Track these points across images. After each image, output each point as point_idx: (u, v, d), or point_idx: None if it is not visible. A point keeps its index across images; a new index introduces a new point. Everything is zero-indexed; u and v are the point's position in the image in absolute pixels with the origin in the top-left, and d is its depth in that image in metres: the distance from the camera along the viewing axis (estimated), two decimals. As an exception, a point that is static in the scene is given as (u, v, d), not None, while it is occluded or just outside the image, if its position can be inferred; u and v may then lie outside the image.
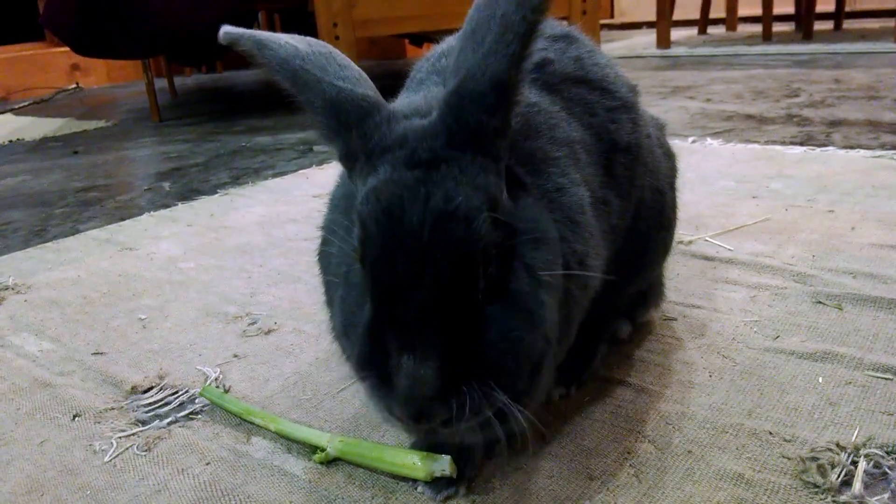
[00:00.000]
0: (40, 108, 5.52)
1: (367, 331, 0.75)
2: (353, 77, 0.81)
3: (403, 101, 0.92)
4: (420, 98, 0.90)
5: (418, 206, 0.71)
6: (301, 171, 2.65)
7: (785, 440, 0.95)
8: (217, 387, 1.17)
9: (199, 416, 1.11)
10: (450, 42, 1.06)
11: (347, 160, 0.81)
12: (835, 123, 2.75)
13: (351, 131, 0.79)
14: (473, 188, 0.73)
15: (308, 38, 0.85)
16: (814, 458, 0.90)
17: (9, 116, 5.08)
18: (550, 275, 0.79)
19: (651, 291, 1.23)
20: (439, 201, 0.71)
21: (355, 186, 0.80)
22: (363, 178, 0.78)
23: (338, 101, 0.79)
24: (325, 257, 0.97)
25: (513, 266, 0.76)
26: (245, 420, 1.07)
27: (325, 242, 0.97)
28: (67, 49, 4.24)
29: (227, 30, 0.85)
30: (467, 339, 0.72)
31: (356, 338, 0.77)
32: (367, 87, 0.81)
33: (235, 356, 1.28)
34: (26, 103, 5.74)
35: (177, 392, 1.17)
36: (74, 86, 6.67)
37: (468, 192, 0.73)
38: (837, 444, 0.93)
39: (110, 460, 1.01)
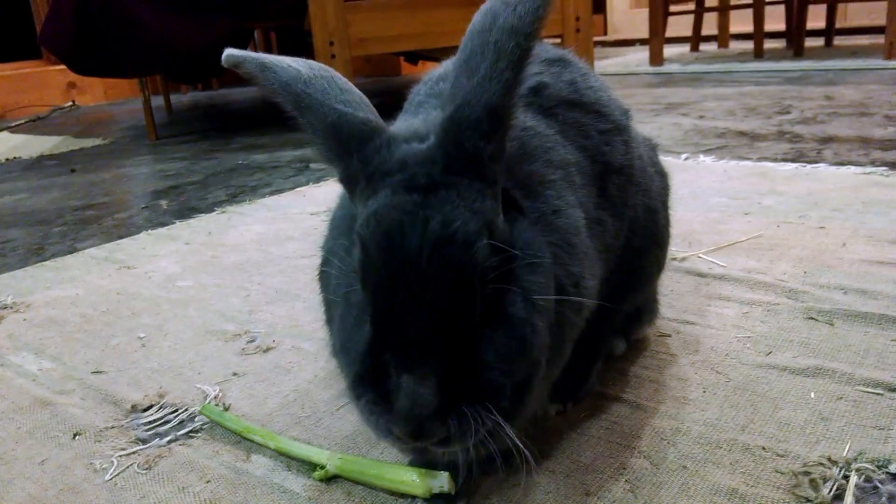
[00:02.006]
0: (37, 125, 5.54)
1: (366, 350, 0.77)
2: (355, 101, 0.83)
3: (402, 125, 0.94)
4: (419, 121, 0.92)
5: (417, 231, 0.74)
6: (298, 189, 2.67)
7: (778, 455, 0.96)
8: (216, 405, 1.18)
9: (199, 434, 1.12)
10: (446, 66, 1.08)
11: (348, 182, 0.84)
12: (826, 140, 2.79)
13: (352, 155, 0.81)
14: (471, 213, 0.75)
15: (310, 61, 0.87)
16: (806, 473, 0.92)
17: (5, 134, 5.10)
18: (545, 299, 0.80)
19: (645, 308, 1.25)
20: (437, 226, 0.74)
21: (356, 208, 0.82)
22: (363, 201, 0.80)
23: (339, 125, 0.81)
24: (325, 277, 0.98)
25: (509, 290, 0.78)
26: (245, 438, 1.09)
27: (325, 263, 0.99)
28: (64, 67, 4.27)
29: (230, 52, 0.88)
30: (464, 360, 0.74)
31: (354, 356, 0.78)
32: (367, 111, 0.83)
33: (234, 374, 1.29)
34: (23, 121, 5.76)
35: (176, 410, 1.18)
36: (71, 103, 6.69)
37: (466, 216, 0.75)
38: (829, 459, 0.94)
39: (111, 479, 1.02)
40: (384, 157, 0.80)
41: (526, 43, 0.78)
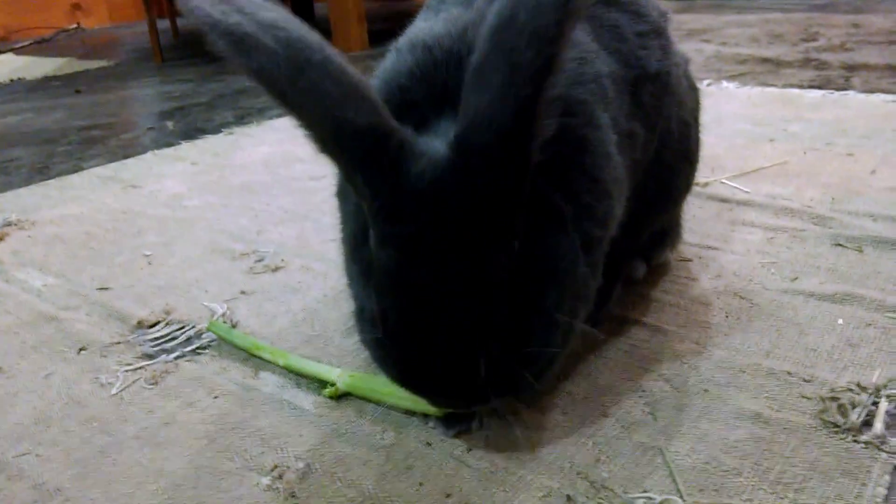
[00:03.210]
0: (41, 48, 5.42)
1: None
2: (354, 95, 0.69)
3: (423, 28, 0.88)
4: (440, 29, 0.84)
5: (432, 275, 0.70)
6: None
7: (804, 380, 0.93)
8: (224, 322, 1.15)
9: (207, 350, 1.09)
10: None
11: (350, 183, 0.74)
12: (854, 67, 2.68)
13: (356, 172, 0.70)
14: (482, 266, 0.70)
15: (292, 28, 0.70)
16: (834, 399, 0.88)
17: (9, 56, 4.99)
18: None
19: (668, 231, 1.20)
20: (452, 275, 0.70)
21: (362, 205, 0.74)
22: (372, 217, 0.72)
23: (338, 135, 0.69)
24: (343, 192, 0.94)
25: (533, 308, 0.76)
26: (253, 355, 1.06)
27: (341, 181, 0.95)
28: (67, -14, 4.15)
29: (198, 6, 0.69)
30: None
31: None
32: (370, 109, 0.69)
33: (242, 293, 1.26)
34: (27, 43, 5.64)
35: (183, 327, 1.15)
36: (75, 26, 6.55)
37: (476, 271, 0.70)
38: (858, 385, 0.91)
39: (117, 393, 1.00)
40: (393, 182, 0.69)
41: (550, 50, 0.64)
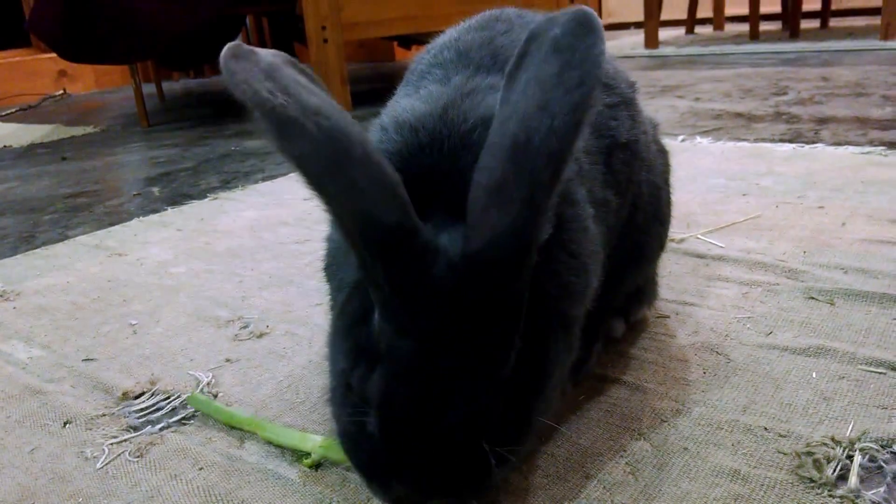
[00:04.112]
0: (27, 114, 5.48)
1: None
2: (386, 192, 0.71)
3: (406, 107, 0.92)
4: (421, 107, 0.89)
5: (448, 369, 0.73)
6: (291, 174, 2.64)
7: (780, 435, 0.95)
8: (207, 392, 1.16)
9: (192, 421, 1.10)
10: (450, 34, 1.05)
11: (366, 271, 0.76)
12: (823, 120, 2.76)
13: (377, 264, 0.72)
14: (492, 365, 0.74)
15: (335, 118, 0.72)
16: (809, 453, 0.90)
17: (-5, 123, 5.04)
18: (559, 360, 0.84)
19: (645, 289, 1.23)
20: (465, 372, 0.73)
21: (373, 292, 0.76)
22: (389, 308, 0.74)
23: (366, 230, 0.71)
24: (330, 271, 0.99)
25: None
26: (232, 427, 1.06)
27: (330, 256, 0.99)
28: (54, 55, 4.22)
29: (244, 82, 0.72)
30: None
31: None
32: (398, 207, 0.72)
33: (227, 360, 1.27)
34: (13, 110, 5.70)
35: (168, 397, 1.16)
36: (62, 92, 6.63)
37: (488, 368, 0.74)
38: (832, 439, 0.92)
39: (102, 467, 1.00)
40: (408, 284, 0.72)
41: (563, 167, 0.70)
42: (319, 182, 0.70)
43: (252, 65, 0.73)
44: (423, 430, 0.74)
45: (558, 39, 0.73)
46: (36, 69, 6.65)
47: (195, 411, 1.12)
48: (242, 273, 1.68)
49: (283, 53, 0.79)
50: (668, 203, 1.18)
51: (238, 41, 0.76)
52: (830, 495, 0.84)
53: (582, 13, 0.73)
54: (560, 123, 0.69)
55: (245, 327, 1.39)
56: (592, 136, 0.98)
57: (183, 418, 1.10)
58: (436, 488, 0.77)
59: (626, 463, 0.92)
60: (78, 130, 4.28)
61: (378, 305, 0.75)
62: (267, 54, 0.76)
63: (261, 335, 1.35)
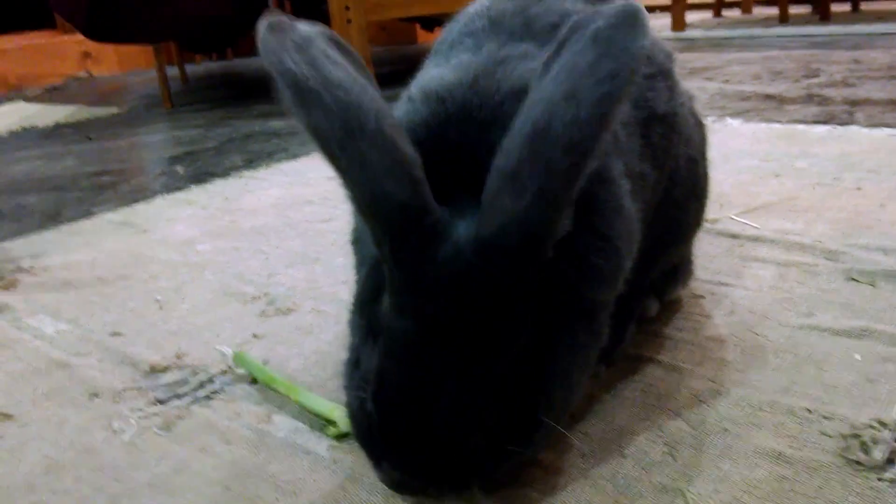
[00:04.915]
0: (52, 95, 5.51)
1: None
2: (397, 168, 0.70)
3: (435, 77, 0.89)
4: (451, 75, 0.86)
5: (441, 353, 0.72)
6: (315, 154, 2.62)
7: (824, 417, 0.92)
8: (235, 368, 1.14)
9: (219, 395, 1.09)
10: (482, 2, 1.01)
11: (377, 247, 0.75)
12: (857, 103, 2.70)
13: (386, 241, 0.72)
14: (491, 355, 0.72)
15: (354, 91, 0.71)
16: (855, 436, 0.87)
17: (21, 104, 5.07)
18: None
19: (680, 267, 1.20)
20: (461, 358, 0.72)
21: (383, 268, 0.76)
22: (393, 285, 0.74)
23: (374, 205, 0.71)
24: (356, 245, 0.98)
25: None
26: (268, 387, 1.07)
27: (356, 230, 0.99)
28: (78, 37, 4.22)
29: (273, 52, 0.72)
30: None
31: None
32: (409, 184, 0.71)
33: (254, 336, 1.26)
34: (38, 91, 5.73)
35: (196, 372, 1.15)
36: (86, 73, 6.66)
37: (484, 359, 0.72)
38: (879, 421, 0.89)
39: (130, 440, 1.00)
40: (417, 267, 0.71)
41: (585, 160, 0.68)
42: (332, 154, 0.70)
43: (285, 37, 0.73)
44: (413, 414, 0.73)
45: (599, 30, 0.69)
46: (60, 51, 6.67)
47: (223, 386, 1.10)
48: (268, 251, 1.66)
49: (322, 27, 0.78)
50: (705, 178, 1.14)
51: (279, 15, 0.75)
52: (879, 479, 0.81)
53: (630, 7, 0.70)
54: (585, 114, 0.66)
55: (271, 304, 1.38)
56: (630, 106, 0.94)
57: (210, 393, 1.09)
58: (425, 474, 0.75)
59: (664, 443, 0.90)
60: (102, 111, 4.29)
61: (387, 283, 0.75)
62: (304, 28, 0.75)
63: (287, 311, 1.34)
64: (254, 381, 1.11)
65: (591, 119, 0.67)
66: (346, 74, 0.73)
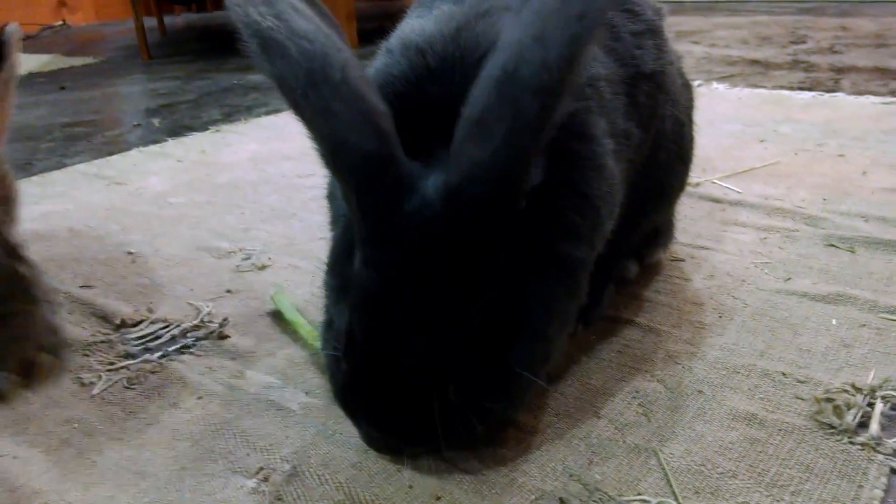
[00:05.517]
0: (26, 44, 5.35)
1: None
2: (362, 119, 0.69)
3: (415, 27, 0.86)
4: (432, 26, 0.83)
5: (406, 306, 0.71)
6: (295, 110, 2.57)
7: (798, 381, 0.92)
8: (209, 322, 1.12)
9: (191, 350, 1.07)
10: None
11: (345, 200, 0.75)
12: (842, 70, 2.69)
13: (352, 193, 0.71)
14: (456, 308, 0.72)
15: (319, 42, 0.70)
16: (829, 400, 0.87)
17: (-7, 52, 4.93)
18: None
19: (661, 231, 1.19)
20: (425, 310, 0.71)
21: (352, 221, 0.76)
22: (360, 239, 0.74)
23: (339, 156, 0.70)
24: (330, 201, 0.97)
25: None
26: (295, 331, 1.08)
27: (331, 185, 0.97)
28: (52, -18, 4.09)
29: (239, 5, 0.72)
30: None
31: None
32: (374, 136, 0.69)
33: (228, 291, 1.23)
34: (11, 39, 5.57)
35: (168, 326, 1.13)
36: (61, 22, 6.48)
37: (449, 311, 0.72)
38: (853, 386, 0.90)
39: (98, 393, 0.98)
40: (383, 216, 0.70)
41: (554, 103, 0.66)
42: (297, 104, 0.70)
43: None
44: (382, 367, 0.72)
45: None
46: (34, -1, 6.49)
47: (194, 340, 1.08)
48: (244, 205, 1.63)
49: None
50: (690, 141, 1.13)
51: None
52: (851, 442, 0.81)
53: None
54: (554, 56, 0.65)
55: (246, 259, 1.35)
56: (616, 64, 0.92)
57: (182, 347, 1.07)
58: (397, 431, 0.75)
59: (639, 404, 0.90)
60: (77, 61, 4.18)
61: (356, 237, 0.74)
62: None
63: (262, 267, 1.32)
64: (281, 317, 1.11)
65: (559, 60, 0.65)
66: (313, 26, 0.71)
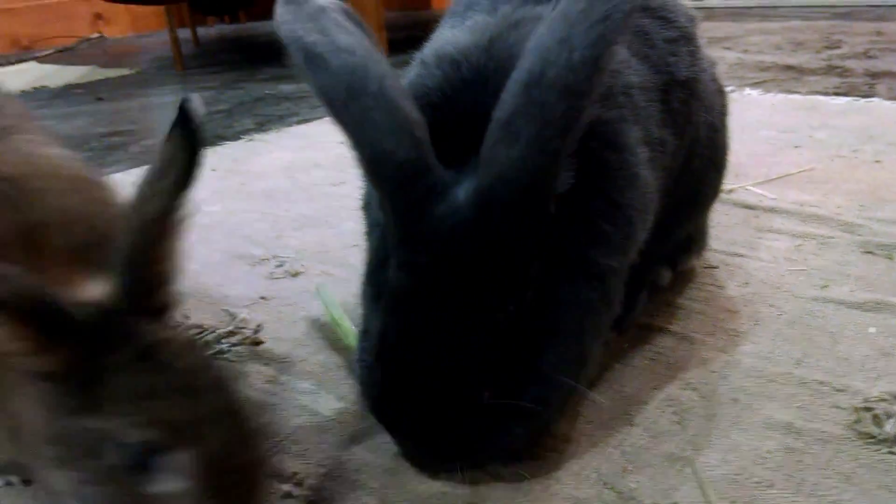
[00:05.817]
0: (64, 56, 5.48)
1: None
2: (399, 128, 0.72)
3: (449, 39, 0.86)
4: (466, 40, 0.84)
5: (439, 309, 0.72)
6: (326, 118, 2.59)
7: (836, 390, 0.91)
8: (243, 328, 1.14)
9: (226, 356, 1.08)
10: None
11: (381, 207, 0.78)
12: (878, 75, 2.64)
13: (387, 200, 0.73)
14: (488, 311, 0.72)
15: (360, 54, 0.74)
16: (867, 409, 0.86)
17: (33, 64, 5.05)
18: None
19: (695, 238, 1.18)
20: (457, 314, 0.72)
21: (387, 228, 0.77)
22: (394, 244, 0.75)
23: (376, 164, 0.73)
24: (366, 210, 0.97)
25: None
26: (338, 325, 1.09)
27: (367, 195, 0.98)
28: (90, -4, 4.18)
29: (282, 20, 0.76)
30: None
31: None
32: (410, 144, 0.72)
33: (262, 298, 1.25)
34: (49, 52, 5.70)
35: (203, 332, 1.14)
36: (98, 35, 6.61)
37: (481, 315, 0.72)
38: (892, 395, 0.88)
39: (137, 398, 0.99)
40: (417, 223, 0.72)
41: (581, 104, 0.67)
42: (337, 114, 0.73)
43: (299, 9, 0.77)
44: (413, 370, 0.73)
45: None
46: (71, 12, 6.63)
47: (230, 346, 1.10)
48: (277, 213, 1.65)
49: (337, 1, 0.80)
50: (725, 147, 1.12)
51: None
52: (890, 451, 0.80)
53: None
54: (579, 57, 0.66)
55: (280, 266, 1.37)
56: (650, 71, 0.92)
57: (217, 353, 1.09)
58: (430, 447, 0.76)
59: (673, 412, 0.89)
60: (113, 72, 4.26)
61: (389, 243, 0.76)
62: (318, 1, 0.78)
63: (296, 274, 1.33)
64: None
65: (584, 61, 0.66)
66: (354, 40, 0.75)
